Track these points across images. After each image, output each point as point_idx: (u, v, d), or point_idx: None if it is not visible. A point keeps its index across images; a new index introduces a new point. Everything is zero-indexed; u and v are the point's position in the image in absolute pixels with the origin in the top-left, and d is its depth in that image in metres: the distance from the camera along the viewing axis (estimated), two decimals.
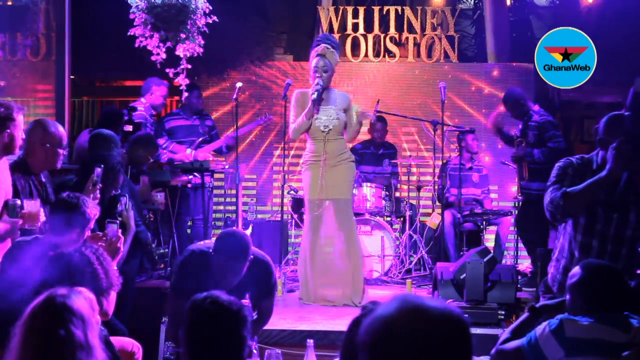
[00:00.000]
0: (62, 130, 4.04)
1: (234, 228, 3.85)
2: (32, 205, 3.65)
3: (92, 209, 3.52)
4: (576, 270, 2.76)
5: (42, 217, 3.68)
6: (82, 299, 2.12)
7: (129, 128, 5.66)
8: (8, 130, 3.68)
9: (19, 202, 3.67)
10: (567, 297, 2.77)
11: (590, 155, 3.39)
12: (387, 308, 1.37)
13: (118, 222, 3.60)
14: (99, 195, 4.06)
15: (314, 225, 5.57)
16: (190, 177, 6.63)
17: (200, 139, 6.79)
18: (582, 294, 2.70)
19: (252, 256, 3.66)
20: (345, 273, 5.51)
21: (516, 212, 6.82)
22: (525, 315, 2.88)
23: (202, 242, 4.00)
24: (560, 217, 3.28)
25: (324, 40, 5.65)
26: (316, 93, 5.42)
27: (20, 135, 3.76)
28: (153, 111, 6.66)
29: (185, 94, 6.21)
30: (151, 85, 6.61)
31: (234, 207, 7.04)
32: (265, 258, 3.90)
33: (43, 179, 4.08)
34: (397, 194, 7.38)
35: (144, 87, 6.68)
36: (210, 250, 3.69)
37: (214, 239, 3.79)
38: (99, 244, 3.50)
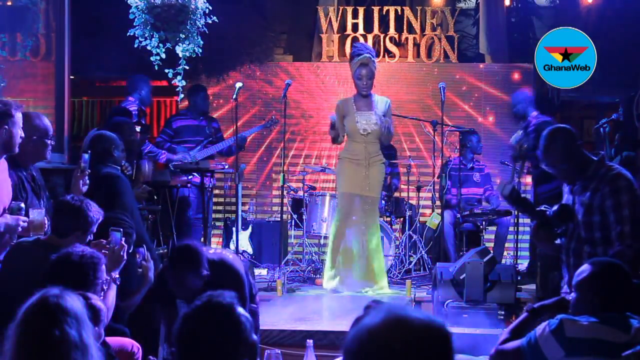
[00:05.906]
0: (47, 122, 4.04)
1: (189, 240, 3.67)
2: (37, 214, 3.65)
3: (95, 212, 3.50)
4: (585, 267, 2.76)
5: (46, 227, 3.68)
6: (75, 299, 2.10)
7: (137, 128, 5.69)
8: (6, 127, 3.66)
9: (22, 204, 3.67)
10: (574, 294, 2.76)
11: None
12: (373, 318, 1.40)
13: (122, 230, 3.57)
14: (87, 181, 4.03)
15: (342, 217, 5.96)
16: (190, 177, 6.63)
17: (207, 140, 6.79)
18: (592, 289, 2.69)
19: (207, 272, 3.48)
20: (366, 263, 5.90)
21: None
22: (524, 315, 2.88)
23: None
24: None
25: (365, 49, 6.02)
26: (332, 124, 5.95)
27: (19, 133, 3.74)
28: (143, 106, 6.65)
29: (182, 95, 6.20)
30: (139, 84, 6.62)
31: (233, 207, 7.04)
32: (234, 265, 3.70)
33: (34, 174, 4.07)
34: (397, 194, 7.38)
35: (132, 85, 6.65)
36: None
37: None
38: (102, 252, 3.48)
